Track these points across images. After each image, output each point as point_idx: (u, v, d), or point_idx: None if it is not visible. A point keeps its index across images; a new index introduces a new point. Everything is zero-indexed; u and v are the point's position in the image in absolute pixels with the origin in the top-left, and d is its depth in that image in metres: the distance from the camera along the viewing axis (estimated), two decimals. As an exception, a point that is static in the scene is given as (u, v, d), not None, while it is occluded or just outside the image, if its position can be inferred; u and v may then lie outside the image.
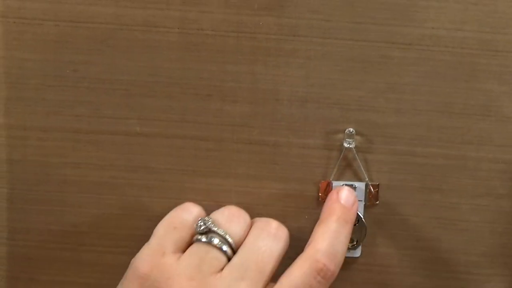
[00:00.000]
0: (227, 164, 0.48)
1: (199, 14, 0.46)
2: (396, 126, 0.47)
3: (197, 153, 0.48)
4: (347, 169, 0.48)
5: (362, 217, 0.48)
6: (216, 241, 0.45)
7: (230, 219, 0.47)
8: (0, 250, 0.49)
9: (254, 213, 0.48)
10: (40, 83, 0.47)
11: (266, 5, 0.46)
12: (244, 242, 0.46)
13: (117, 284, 0.48)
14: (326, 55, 0.46)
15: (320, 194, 0.48)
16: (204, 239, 0.46)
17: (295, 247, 0.47)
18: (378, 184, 0.48)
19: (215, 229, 0.46)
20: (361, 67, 0.47)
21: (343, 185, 0.48)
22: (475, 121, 0.47)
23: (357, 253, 0.49)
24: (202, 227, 0.46)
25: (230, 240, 0.46)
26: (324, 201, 0.48)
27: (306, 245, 0.46)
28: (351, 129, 0.47)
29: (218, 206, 0.48)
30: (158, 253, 0.45)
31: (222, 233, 0.46)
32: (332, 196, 0.48)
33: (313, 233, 0.47)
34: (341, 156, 0.47)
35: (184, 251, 0.46)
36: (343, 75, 0.47)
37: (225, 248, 0.45)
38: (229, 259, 0.46)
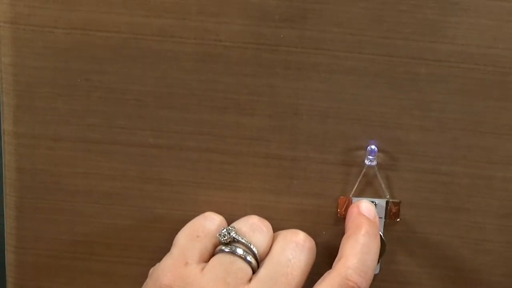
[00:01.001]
0: (243, 178, 0.49)
1: (217, 25, 0.46)
2: (421, 143, 0.48)
3: (212, 166, 0.49)
4: (368, 186, 0.49)
5: (381, 234, 0.49)
6: (240, 251, 0.46)
7: (253, 229, 0.48)
8: (9, 257, 0.52)
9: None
10: (50, 92, 0.48)
11: (287, 17, 0.46)
12: (270, 253, 0.47)
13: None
14: (350, 70, 0.47)
15: (338, 210, 0.49)
16: (227, 249, 0.46)
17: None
18: (400, 202, 0.49)
19: (239, 238, 0.47)
20: (386, 83, 0.47)
21: (362, 201, 0.50)
22: (504, 141, 0.48)
23: (376, 269, 0.51)
24: (226, 237, 0.47)
25: (254, 250, 0.47)
26: (343, 217, 0.49)
27: (335, 261, 0.47)
28: (373, 147, 0.48)
29: (233, 219, 0.49)
30: (181, 263, 0.46)
31: (247, 243, 0.46)
32: (353, 209, 0.49)
33: (341, 248, 0.47)
34: (362, 173, 0.49)
35: (207, 260, 0.47)
36: (367, 90, 0.47)
37: (249, 258, 0.46)
38: (253, 270, 0.46)
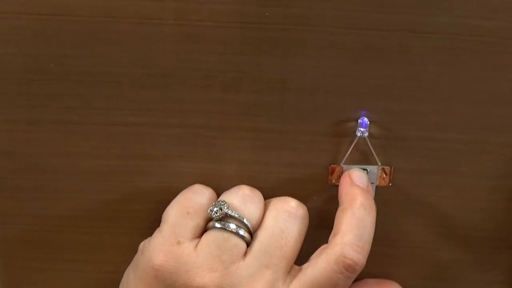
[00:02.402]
0: (230, 151, 0.49)
1: (198, 5, 0.45)
2: (413, 113, 0.48)
3: (198, 140, 0.49)
4: (359, 155, 0.49)
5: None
6: (233, 226, 0.47)
7: (245, 201, 0.48)
8: None
9: (260, 197, 0.51)
10: (23, 78, 0.47)
11: (272, -5, 0.45)
12: (262, 224, 0.48)
13: (116, 261, 0.52)
14: (339, 45, 0.46)
15: (329, 178, 0.50)
16: (220, 225, 0.47)
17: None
18: (391, 168, 0.50)
19: (231, 213, 0.47)
20: (377, 56, 0.46)
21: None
22: (499, 109, 0.48)
23: (367, 229, 0.53)
24: (218, 213, 0.47)
25: (247, 223, 0.47)
26: (334, 183, 0.50)
27: (331, 236, 0.47)
28: (365, 118, 0.49)
29: (222, 190, 0.50)
30: (173, 242, 0.47)
31: (240, 218, 0.47)
32: (345, 179, 0.49)
33: (337, 222, 0.48)
34: (353, 144, 0.49)
35: (199, 236, 0.48)
36: (357, 64, 0.46)
37: (242, 233, 0.47)
38: (247, 243, 0.47)
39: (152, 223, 0.50)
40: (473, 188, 0.51)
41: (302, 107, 0.48)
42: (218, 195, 0.50)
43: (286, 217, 0.48)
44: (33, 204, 0.51)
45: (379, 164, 0.50)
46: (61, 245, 0.53)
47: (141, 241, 0.50)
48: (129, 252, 0.51)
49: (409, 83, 0.48)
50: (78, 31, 0.46)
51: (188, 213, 0.48)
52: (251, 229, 0.48)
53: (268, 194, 0.51)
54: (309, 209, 0.50)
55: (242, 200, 0.49)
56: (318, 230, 0.50)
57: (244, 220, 0.48)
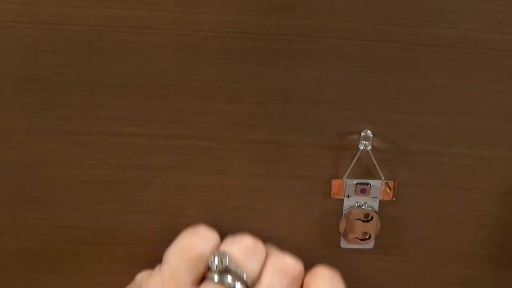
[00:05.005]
0: (230, 163, 0.48)
1: (198, 15, 0.44)
2: (419, 126, 0.47)
3: (197, 152, 0.48)
4: (362, 168, 0.49)
5: (376, 212, 0.50)
6: (232, 281, 0.46)
7: (246, 254, 0.48)
8: None
9: (260, 210, 0.50)
10: (19, 87, 0.46)
11: (274, 5, 0.44)
12: (260, 280, 0.48)
13: (115, 272, 0.51)
14: (342, 56, 0.45)
15: (332, 192, 0.49)
16: (220, 279, 0.46)
17: (304, 241, 0.50)
18: (395, 182, 0.49)
19: (232, 267, 0.47)
20: (382, 68, 0.46)
21: (356, 183, 0.49)
22: (507, 122, 0.47)
23: (370, 246, 0.52)
24: (219, 266, 0.46)
25: (247, 279, 0.47)
26: (336, 197, 0.50)
27: None
28: (368, 131, 0.48)
29: (222, 204, 0.50)
30: (171, 286, 0.47)
31: (239, 274, 0.47)
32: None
33: None
34: (356, 157, 0.49)
35: (198, 283, 0.47)
36: (361, 76, 0.46)
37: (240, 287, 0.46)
38: None
39: (151, 234, 0.50)
40: (480, 204, 0.50)
41: (304, 119, 0.47)
42: (219, 208, 0.50)
43: (282, 276, 0.48)
44: (30, 215, 0.51)
45: (383, 178, 0.49)
46: (59, 256, 0.52)
47: (140, 252, 0.50)
48: (128, 262, 0.51)
49: (415, 96, 0.47)
50: (75, 41, 0.45)
51: (190, 259, 0.48)
52: (249, 285, 0.47)
53: (269, 207, 0.50)
54: (310, 222, 0.50)
55: (244, 252, 0.48)
56: (319, 245, 0.50)
57: (244, 276, 0.47)
